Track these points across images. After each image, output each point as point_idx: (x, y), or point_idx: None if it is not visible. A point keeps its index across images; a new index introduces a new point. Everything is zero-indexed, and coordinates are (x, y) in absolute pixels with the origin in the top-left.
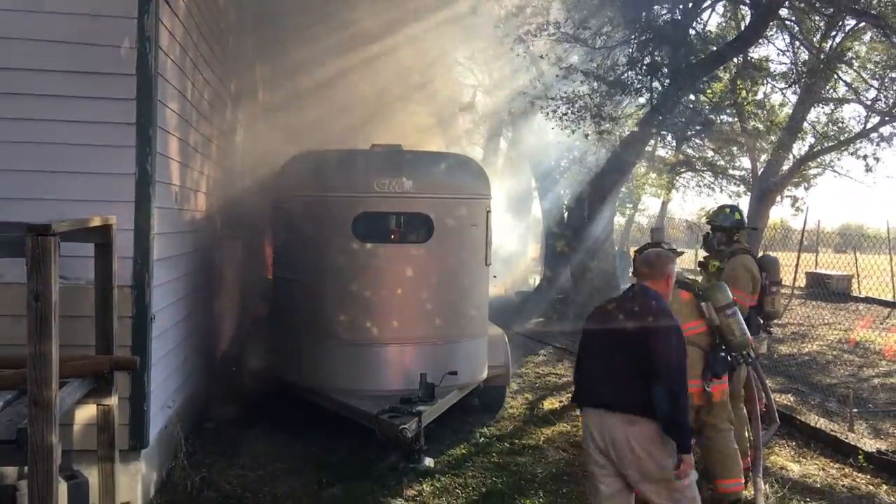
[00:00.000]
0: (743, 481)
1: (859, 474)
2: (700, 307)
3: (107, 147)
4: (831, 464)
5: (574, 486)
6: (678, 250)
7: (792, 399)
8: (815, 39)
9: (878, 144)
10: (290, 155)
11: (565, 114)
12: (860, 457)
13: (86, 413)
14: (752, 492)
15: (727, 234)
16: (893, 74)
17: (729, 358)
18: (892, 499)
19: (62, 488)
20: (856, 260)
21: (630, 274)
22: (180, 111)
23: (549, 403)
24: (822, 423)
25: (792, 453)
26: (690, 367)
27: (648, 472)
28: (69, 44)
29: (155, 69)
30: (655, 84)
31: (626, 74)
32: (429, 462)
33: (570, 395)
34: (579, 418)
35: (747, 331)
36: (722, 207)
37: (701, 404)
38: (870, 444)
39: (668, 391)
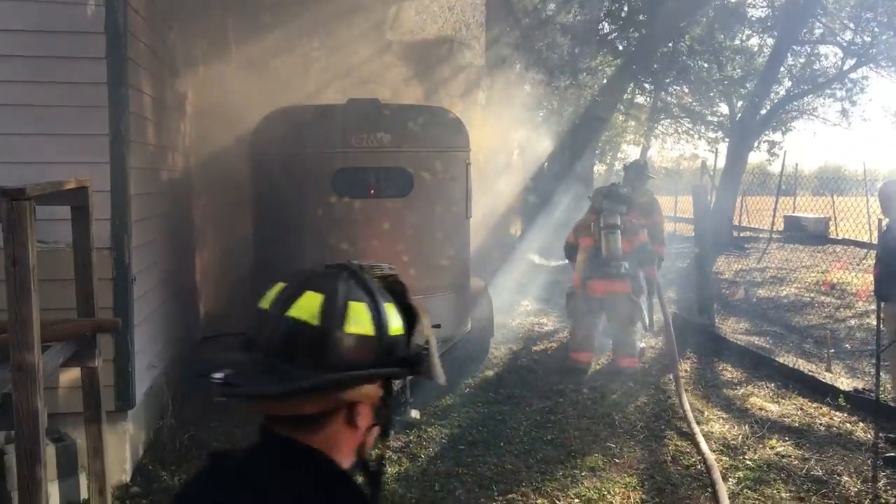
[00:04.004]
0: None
1: (837, 413)
2: (591, 227)
3: (79, 108)
4: (809, 403)
5: (558, 432)
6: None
7: (770, 341)
8: None
9: (851, 88)
10: (266, 111)
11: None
12: (840, 397)
13: (71, 376)
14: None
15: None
16: (869, 15)
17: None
18: (869, 435)
19: (50, 451)
20: (833, 202)
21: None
22: (153, 69)
23: (533, 353)
24: (800, 363)
25: (770, 394)
26: (579, 268)
27: None
28: (36, 2)
29: (125, 27)
30: (632, 32)
31: (601, 24)
32: (415, 414)
33: (553, 344)
34: (559, 367)
35: (616, 249)
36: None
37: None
38: (846, 384)
39: None
